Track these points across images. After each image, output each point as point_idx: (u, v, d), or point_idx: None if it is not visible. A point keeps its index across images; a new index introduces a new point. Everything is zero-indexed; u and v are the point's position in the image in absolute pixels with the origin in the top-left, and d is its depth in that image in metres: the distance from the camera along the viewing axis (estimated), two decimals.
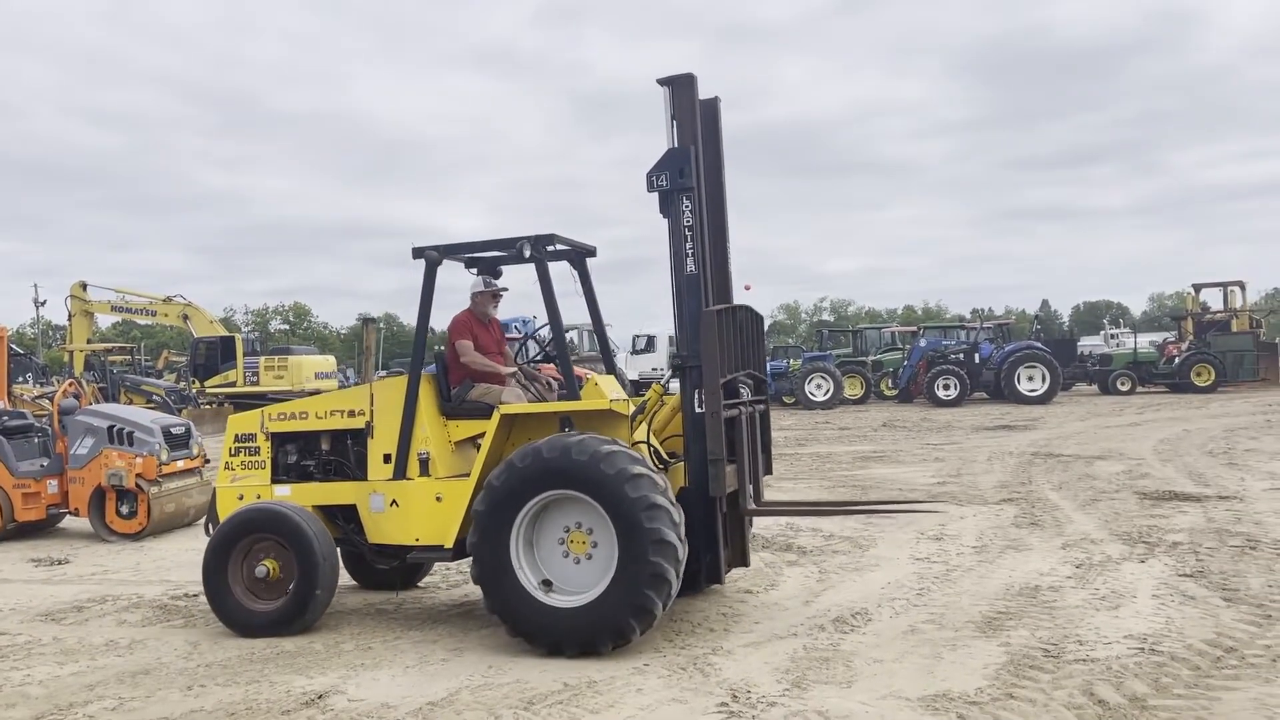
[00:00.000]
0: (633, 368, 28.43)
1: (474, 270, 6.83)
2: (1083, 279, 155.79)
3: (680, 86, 6.32)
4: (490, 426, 6.08)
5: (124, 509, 10.16)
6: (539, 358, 7.15)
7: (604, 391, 6.26)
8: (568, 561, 5.77)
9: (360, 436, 6.60)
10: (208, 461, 11.43)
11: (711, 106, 6.48)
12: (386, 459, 6.42)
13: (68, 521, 10.96)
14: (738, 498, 6.28)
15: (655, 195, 6.21)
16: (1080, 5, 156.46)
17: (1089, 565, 7.33)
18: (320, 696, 5.02)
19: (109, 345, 36.09)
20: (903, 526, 9.23)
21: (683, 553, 5.58)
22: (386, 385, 6.67)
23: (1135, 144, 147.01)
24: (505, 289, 6.90)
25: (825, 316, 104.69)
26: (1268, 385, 29.73)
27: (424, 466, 6.31)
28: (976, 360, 28.68)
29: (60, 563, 9.07)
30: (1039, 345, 29.33)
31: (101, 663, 5.82)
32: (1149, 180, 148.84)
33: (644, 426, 6.36)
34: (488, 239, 6.51)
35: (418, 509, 6.29)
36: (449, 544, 6.17)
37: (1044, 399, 26.89)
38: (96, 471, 10.14)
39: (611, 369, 7.12)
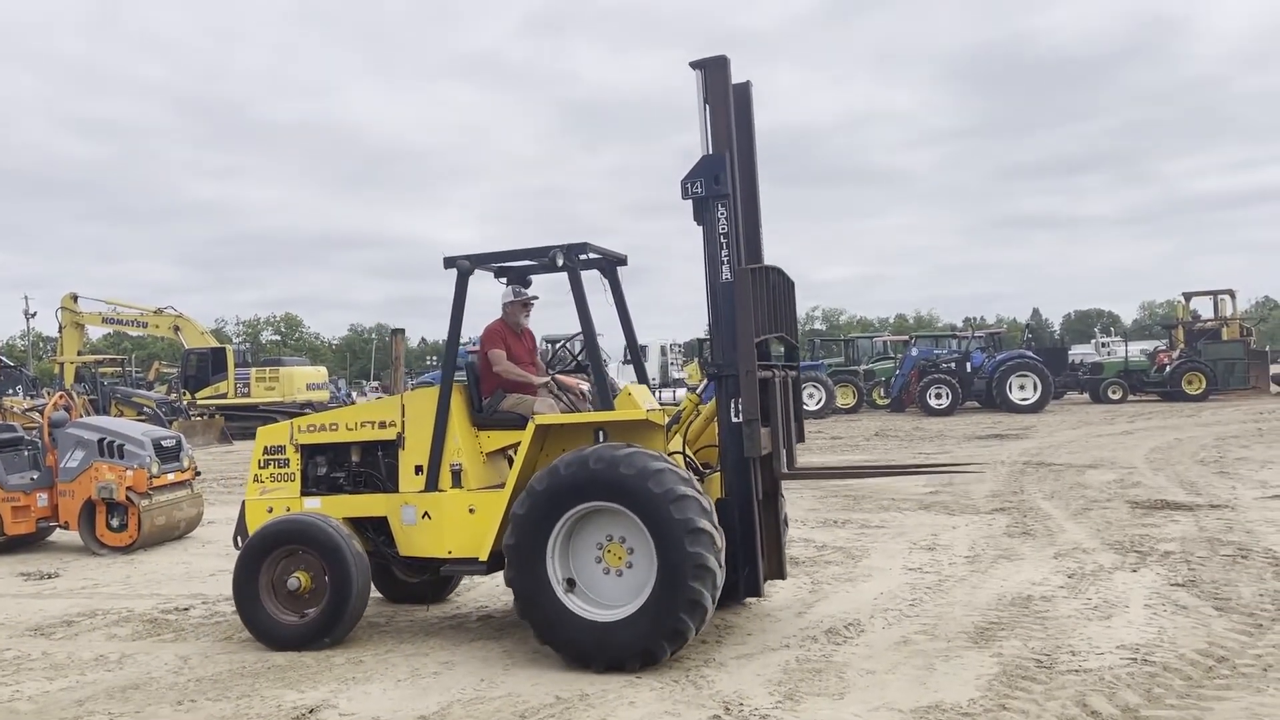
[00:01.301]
0: (623, 377, 28.38)
1: (503, 279, 6.79)
2: (1074, 287, 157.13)
3: (713, 69, 6.18)
4: (525, 437, 6.03)
5: (114, 522, 10.11)
6: (571, 367, 7.06)
7: (638, 402, 6.13)
8: (598, 568, 5.69)
9: (391, 448, 6.55)
10: (198, 474, 11.40)
11: (744, 91, 6.34)
12: (418, 470, 6.37)
13: (57, 535, 10.90)
14: (771, 462, 6.20)
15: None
16: (1069, 14, 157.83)
17: (1081, 575, 7.34)
18: (311, 711, 4.99)
19: (100, 357, 35.86)
20: (895, 537, 9.24)
21: (721, 579, 5.49)
22: (417, 396, 6.62)
23: (1125, 153, 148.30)
24: (536, 297, 6.85)
25: (817, 326, 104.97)
26: (1258, 393, 29.85)
27: (456, 478, 6.25)
28: (968, 369, 28.72)
29: (50, 576, 9.02)
30: (1030, 354, 29.47)
31: (91, 678, 5.78)
32: (1139, 189, 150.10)
33: (679, 436, 6.32)
34: (518, 248, 6.47)
35: (450, 521, 6.22)
36: (483, 556, 6.08)
37: (1035, 408, 26.94)
38: (87, 484, 10.09)
39: (643, 378, 7.07)
